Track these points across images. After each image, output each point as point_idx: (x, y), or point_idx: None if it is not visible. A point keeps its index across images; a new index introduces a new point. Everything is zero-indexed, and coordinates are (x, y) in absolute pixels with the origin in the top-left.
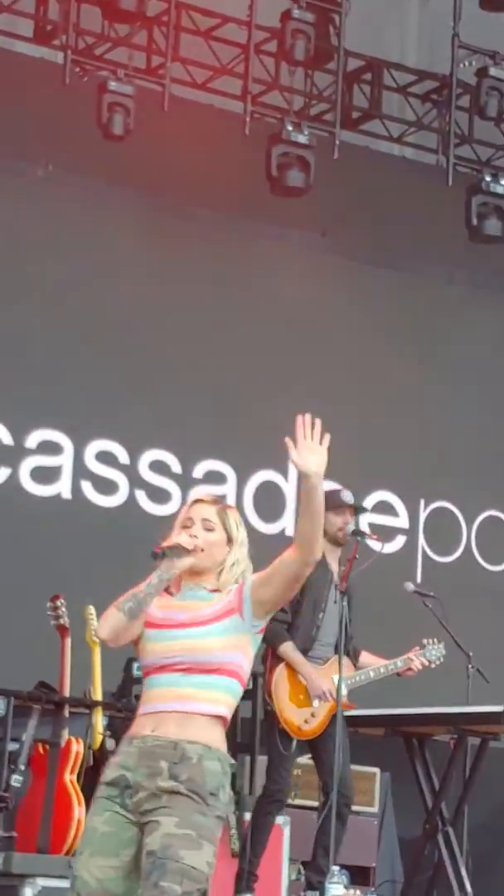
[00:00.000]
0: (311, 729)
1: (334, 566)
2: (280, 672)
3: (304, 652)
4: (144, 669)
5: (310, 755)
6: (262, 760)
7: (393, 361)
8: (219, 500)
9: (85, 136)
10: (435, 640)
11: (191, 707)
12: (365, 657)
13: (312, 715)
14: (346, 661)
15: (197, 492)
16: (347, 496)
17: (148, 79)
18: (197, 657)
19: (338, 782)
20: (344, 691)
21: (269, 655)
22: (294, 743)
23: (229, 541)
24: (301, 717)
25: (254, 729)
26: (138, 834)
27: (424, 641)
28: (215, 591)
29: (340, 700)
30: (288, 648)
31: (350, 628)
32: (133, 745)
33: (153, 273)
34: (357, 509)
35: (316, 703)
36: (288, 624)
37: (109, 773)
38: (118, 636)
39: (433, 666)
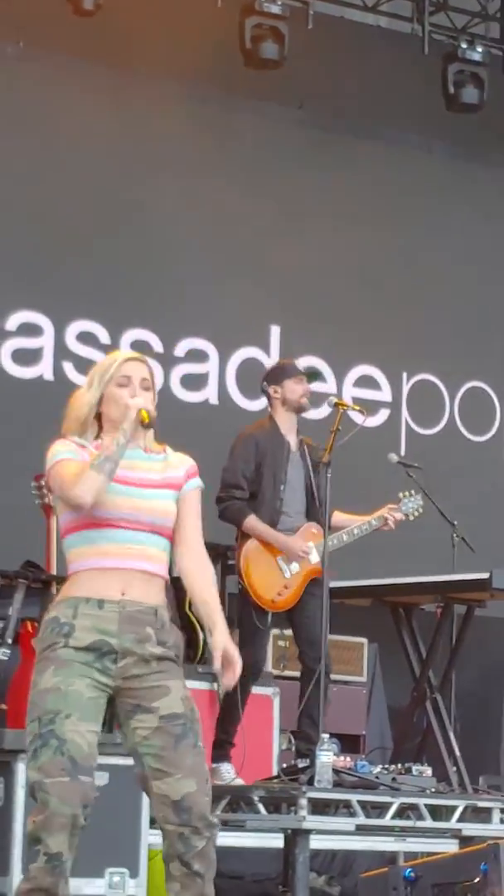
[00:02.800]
0: (284, 601)
1: (291, 437)
2: (249, 548)
3: (272, 525)
4: (93, 521)
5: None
6: None
7: (372, 232)
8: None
9: (55, 11)
10: (411, 492)
11: (153, 568)
12: (337, 517)
13: (285, 587)
14: (316, 527)
15: (124, 351)
16: (299, 364)
17: None
18: (163, 520)
19: (323, 651)
20: (316, 557)
21: (238, 534)
22: (269, 617)
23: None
24: (274, 591)
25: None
26: (106, 701)
27: (400, 494)
28: (148, 450)
29: (323, 565)
30: (252, 521)
31: (320, 494)
32: (106, 609)
33: (127, 149)
34: (312, 375)
35: (287, 574)
36: (246, 500)
37: (82, 636)
38: (98, 498)
39: (411, 518)
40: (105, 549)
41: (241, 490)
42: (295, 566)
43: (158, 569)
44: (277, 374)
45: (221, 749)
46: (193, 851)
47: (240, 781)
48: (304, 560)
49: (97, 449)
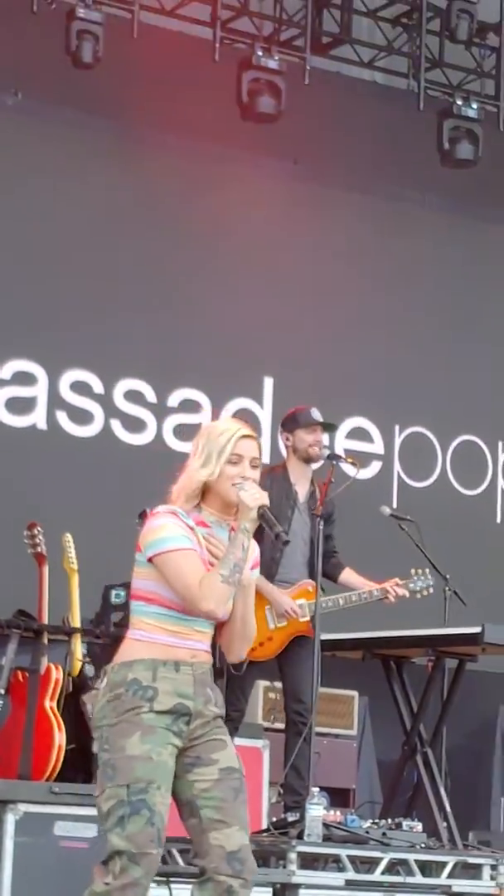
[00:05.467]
0: (263, 651)
1: (299, 488)
2: None
3: (269, 576)
4: (180, 607)
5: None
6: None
7: (365, 286)
8: (255, 433)
9: (54, 64)
10: (424, 571)
11: (206, 646)
12: (348, 575)
13: (269, 638)
14: (313, 585)
15: (234, 423)
16: (316, 413)
17: (117, 5)
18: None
19: (313, 704)
20: (307, 616)
21: None
22: (245, 665)
23: None
24: (255, 640)
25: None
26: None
27: (412, 571)
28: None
29: (315, 621)
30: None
31: (329, 545)
32: (182, 672)
33: (124, 201)
34: (326, 427)
35: (272, 625)
36: None
37: (165, 700)
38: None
39: (419, 596)
40: (186, 631)
41: None
42: (282, 620)
43: (209, 646)
44: (290, 422)
45: None
46: None
47: None
48: (291, 618)
49: (197, 524)
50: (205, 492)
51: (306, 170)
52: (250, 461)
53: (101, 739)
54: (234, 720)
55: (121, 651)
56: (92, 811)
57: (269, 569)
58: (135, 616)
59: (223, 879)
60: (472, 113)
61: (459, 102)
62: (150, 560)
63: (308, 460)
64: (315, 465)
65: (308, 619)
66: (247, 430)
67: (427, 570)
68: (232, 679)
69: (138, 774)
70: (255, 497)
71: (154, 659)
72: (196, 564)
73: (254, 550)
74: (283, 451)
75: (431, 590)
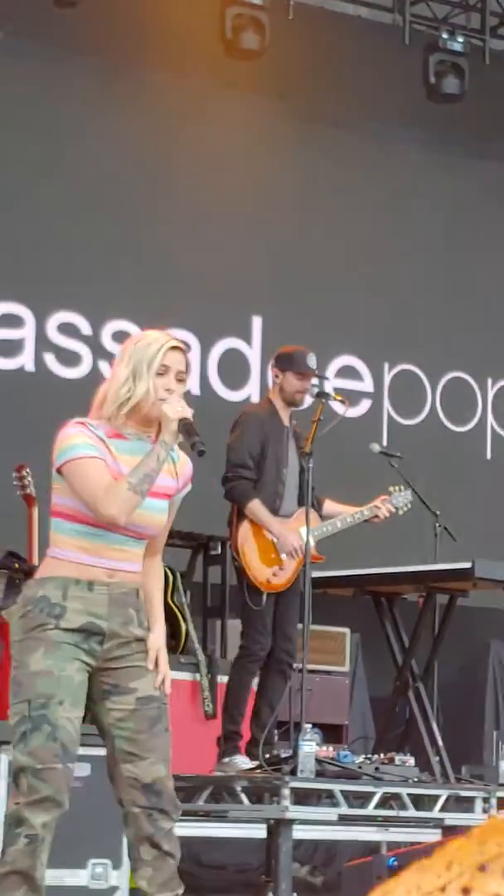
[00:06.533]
0: (279, 582)
1: (286, 422)
2: (245, 529)
3: (273, 510)
4: (94, 521)
5: None
6: (231, 624)
7: (354, 221)
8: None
9: (37, 3)
10: (401, 487)
11: (134, 567)
12: (329, 506)
13: (281, 569)
14: (312, 513)
15: (163, 334)
16: (312, 360)
17: None
18: (154, 531)
19: (305, 639)
20: (312, 543)
21: (233, 513)
22: (264, 597)
23: None
24: (269, 571)
25: (223, 593)
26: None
27: (391, 489)
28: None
29: (309, 552)
30: (256, 506)
31: (303, 482)
32: (96, 591)
33: (108, 140)
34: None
35: (283, 553)
36: (253, 480)
37: (73, 618)
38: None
39: (401, 513)
40: (99, 547)
41: (248, 469)
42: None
43: (138, 567)
44: (284, 361)
45: (231, 742)
46: (162, 833)
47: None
48: (295, 557)
49: (112, 436)
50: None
51: (292, 106)
52: (176, 374)
53: (13, 655)
54: (260, 657)
55: (39, 569)
56: (84, 749)
57: (273, 502)
58: (53, 533)
59: (139, 811)
60: (457, 47)
61: (445, 36)
62: (58, 471)
63: (291, 404)
64: (296, 408)
65: (313, 545)
66: (175, 342)
67: (403, 486)
68: (253, 615)
69: (39, 690)
70: (176, 410)
71: (66, 577)
72: (101, 472)
73: (185, 466)
74: (270, 384)
75: (410, 505)
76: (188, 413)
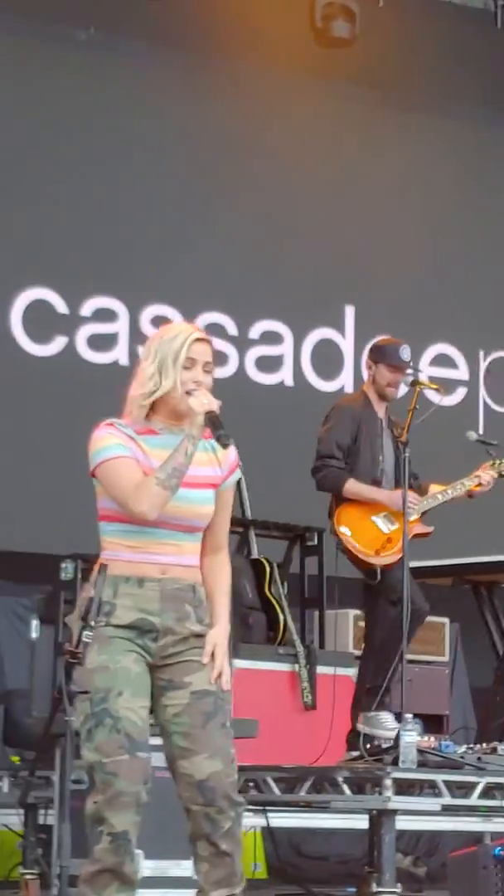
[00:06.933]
0: (389, 553)
1: (381, 411)
2: (343, 512)
3: None
4: (135, 518)
5: None
6: (329, 615)
7: (447, 211)
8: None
9: None
10: (499, 457)
11: (189, 561)
12: (434, 489)
13: (388, 540)
14: (413, 495)
15: (187, 326)
16: (406, 352)
17: None
18: (203, 522)
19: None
20: (416, 516)
21: (332, 504)
22: (378, 572)
23: None
24: (377, 544)
25: (321, 584)
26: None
27: (492, 453)
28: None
29: (405, 546)
30: (352, 485)
31: (409, 469)
32: (147, 587)
33: (199, 131)
34: (412, 371)
35: (386, 529)
36: (343, 468)
37: (123, 615)
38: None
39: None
40: (148, 544)
41: (336, 459)
42: (394, 523)
43: (193, 560)
44: (377, 353)
45: (375, 696)
46: (220, 832)
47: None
48: (415, 510)
49: (144, 433)
50: (156, 405)
51: (383, 94)
52: (203, 366)
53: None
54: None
55: (92, 573)
56: None
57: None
58: (101, 537)
59: (197, 809)
60: None
61: None
62: (93, 475)
63: (382, 397)
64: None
65: (417, 517)
66: (200, 333)
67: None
68: (374, 590)
69: (97, 685)
70: (202, 403)
71: (116, 576)
72: (131, 470)
73: (228, 454)
74: (364, 376)
75: None
76: (214, 405)
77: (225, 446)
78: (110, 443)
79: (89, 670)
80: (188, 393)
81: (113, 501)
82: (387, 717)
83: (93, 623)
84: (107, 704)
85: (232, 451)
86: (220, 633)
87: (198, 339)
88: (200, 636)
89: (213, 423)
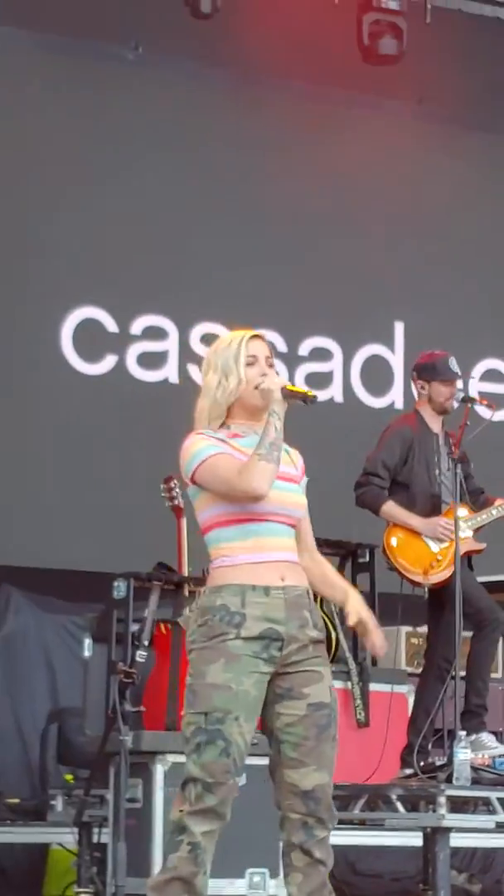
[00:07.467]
0: (437, 573)
1: (436, 429)
2: (392, 532)
3: (432, 514)
4: (250, 515)
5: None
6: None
7: (493, 225)
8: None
9: (173, 15)
10: None
11: (296, 558)
12: (499, 501)
13: (437, 559)
14: (465, 509)
15: (238, 330)
16: (454, 364)
17: None
18: (301, 514)
19: (457, 647)
20: (469, 532)
21: (387, 521)
22: (426, 591)
23: None
24: (425, 563)
25: (372, 600)
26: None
27: None
28: None
29: (456, 561)
30: (390, 507)
31: (473, 483)
32: (272, 596)
33: (248, 149)
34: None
35: (436, 549)
36: (385, 488)
37: (253, 626)
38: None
39: None
40: (264, 542)
41: (379, 478)
42: (443, 542)
43: (297, 557)
44: (428, 372)
45: (478, 717)
46: (315, 840)
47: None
48: (444, 536)
49: (231, 437)
50: (228, 408)
51: (431, 110)
52: (265, 360)
53: (191, 663)
54: (438, 667)
55: (210, 578)
56: None
57: (432, 505)
58: (212, 547)
59: (297, 818)
60: None
61: None
62: (193, 482)
63: (442, 412)
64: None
65: (469, 535)
66: (252, 332)
67: None
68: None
69: (216, 704)
70: (275, 382)
71: (243, 584)
72: (230, 461)
73: (298, 457)
74: (415, 395)
75: None
76: (284, 381)
77: (314, 399)
78: (203, 445)
79: (210, 684)
80: (257, 387)
81: (220, 503)
82: (488, 738)
83: (220, 633)
84: (222, 726)
85: (299, 455)
86: (356, 602)
87: (253, 337)
88: (319, 642)
89: (293, 392)
